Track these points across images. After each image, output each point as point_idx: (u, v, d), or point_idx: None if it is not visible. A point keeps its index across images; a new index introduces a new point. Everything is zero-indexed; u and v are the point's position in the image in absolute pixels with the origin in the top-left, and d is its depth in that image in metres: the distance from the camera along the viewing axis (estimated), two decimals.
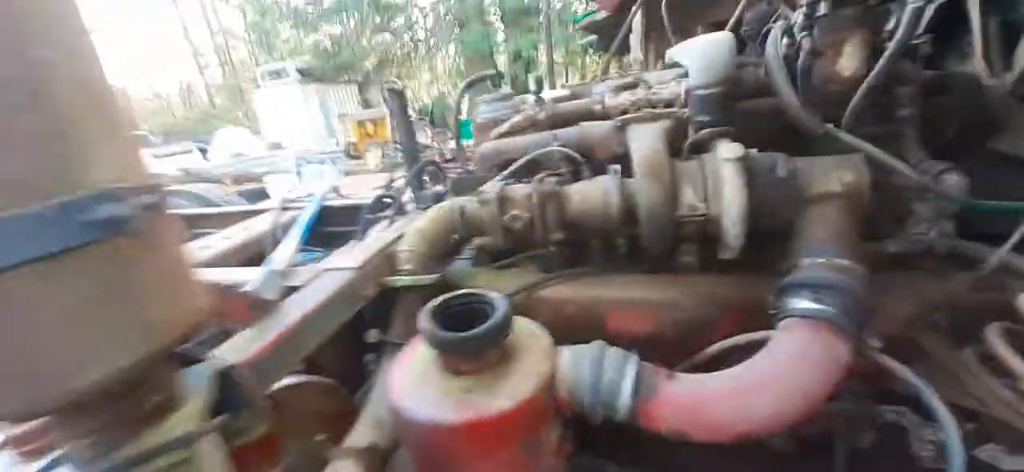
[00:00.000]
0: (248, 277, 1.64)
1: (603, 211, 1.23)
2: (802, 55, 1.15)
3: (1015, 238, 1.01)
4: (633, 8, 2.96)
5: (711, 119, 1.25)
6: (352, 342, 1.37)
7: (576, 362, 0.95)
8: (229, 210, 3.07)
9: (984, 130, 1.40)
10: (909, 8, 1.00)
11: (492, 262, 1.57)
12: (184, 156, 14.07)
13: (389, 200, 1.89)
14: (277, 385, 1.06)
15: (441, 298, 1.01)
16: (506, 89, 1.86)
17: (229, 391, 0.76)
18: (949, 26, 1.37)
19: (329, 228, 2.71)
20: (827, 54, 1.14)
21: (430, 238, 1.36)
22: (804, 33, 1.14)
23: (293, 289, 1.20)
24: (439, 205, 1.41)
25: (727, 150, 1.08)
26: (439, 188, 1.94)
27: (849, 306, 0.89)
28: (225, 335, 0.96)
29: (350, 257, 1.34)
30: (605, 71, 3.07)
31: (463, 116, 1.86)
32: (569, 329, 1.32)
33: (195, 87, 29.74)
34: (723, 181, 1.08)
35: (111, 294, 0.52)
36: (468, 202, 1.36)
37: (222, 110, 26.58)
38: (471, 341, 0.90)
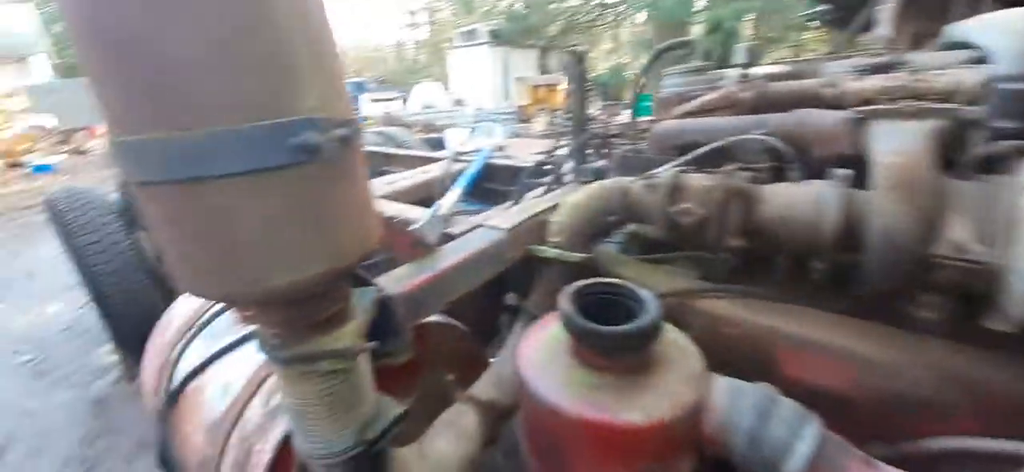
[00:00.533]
0: (416, 216, 1.79)
1: (811, 225, 0.96)
2: None
3: None
4: None
5: (1019, 126, 0.86)
6: (489, 297, 1.38)
7: (735, 399, 0.78)
8: (411, 154, 3.45)
9: None
10: None
11: (642, 253, 1.41)
12: (389, 103, 16.54)
13: (549, 168, 1.84)
14: (422, 320, 1.12)
15: (586, 282, 0.92)
16: (698, 62, 1.60)
17: (386, 317, 0.81)
18: None
19: (490, 185, 2.83)
20: None
21: (584, 214, 1.26)
22: None
23: (450, 236, 1.25)
24: (600, 182, 1.30)
25: None
26: (602, 163, 1.82)
27: None
28: (390, 264, 1.04)
29: (504, 218, 1.33)
30: (841, 49, 2.47)
31: (644, 89, 1.67)
32: (726, 356, 1.10)
33: (406, 43, 34.42)
34: (1021, 218, 0.72)
35: (304, 212, 0.57)
36: (633, 184, 1.21)
37: (424, 65, 30.22)
38: (611, 338, 0.79)
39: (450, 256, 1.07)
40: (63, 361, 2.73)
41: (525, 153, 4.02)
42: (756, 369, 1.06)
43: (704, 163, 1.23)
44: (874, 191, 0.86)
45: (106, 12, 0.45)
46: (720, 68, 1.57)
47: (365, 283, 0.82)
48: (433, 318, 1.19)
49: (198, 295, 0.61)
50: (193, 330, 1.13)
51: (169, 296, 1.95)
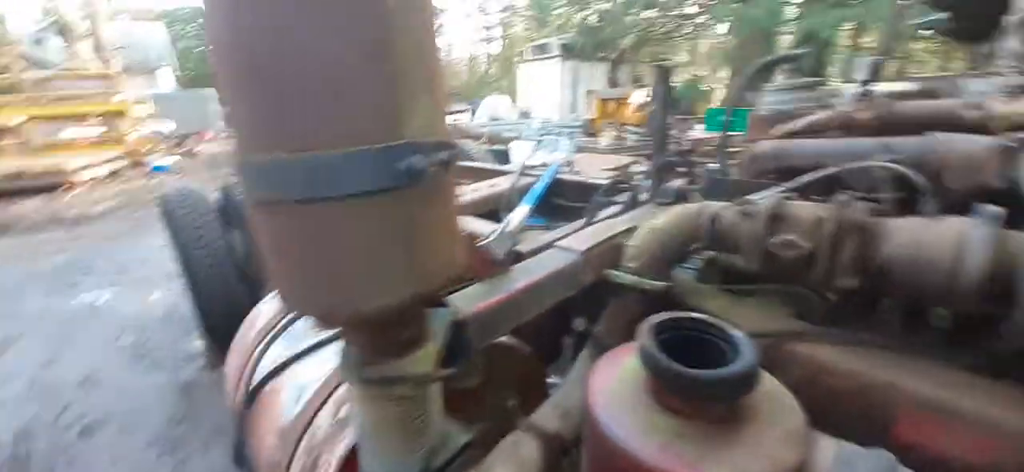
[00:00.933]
0: (484, 230, 1.78)
1: (949, 269, 0.80)
2: None
3: None
4: None
5: None
6: (555, 318, 1.32)
7: (846, 467, 0.66)
8: (479, 166, 3.49)
9: None
10: None
11: (722, 282, 1.28)
12: (459, 115, 17.04)
13: (624, 186, 1.75)
14: (491, 342, 1.09)
15: (669, 316, 0.84)
16: (805, 77, 1.45)
17: (458, 340, 0.79)
18: None
19: (558, 200, 2.78)
20: None
21: (664, 240, 1.17)
22: None
23: (519, 255, 1.22)
24: (685, 206, 1.19)
25: None
26: (682, 184, 1.70)
27: None
28: (460, 281, 1.03)
29: (577, 238, 1.27)
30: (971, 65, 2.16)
31: (739, 104, 1.53)
32: (827, 410, 0.95)
33: (479, 57, 35.52)
34: None
35: (399, 236, 0.56)
36: (724, 209, 1.10)
37: (494, 79, 30.97)
38: (701, 384, 0.71)
39: (523, 277, 1.02)
40: (159, 345, 3.01)
41: (594, 168, 3.93)
42: (865, 429, 0.90)
43: (810, 191, 1.09)
44: None
45: (244, 39, 0.48)
46: (824, 82, 1.40)
47: (440, 303, 0.80)
48: (501, 340, 1.16)
49: (297, 311, 0.62)
50: (275, 331, 1.18)
51: (255, 293, 2.09)
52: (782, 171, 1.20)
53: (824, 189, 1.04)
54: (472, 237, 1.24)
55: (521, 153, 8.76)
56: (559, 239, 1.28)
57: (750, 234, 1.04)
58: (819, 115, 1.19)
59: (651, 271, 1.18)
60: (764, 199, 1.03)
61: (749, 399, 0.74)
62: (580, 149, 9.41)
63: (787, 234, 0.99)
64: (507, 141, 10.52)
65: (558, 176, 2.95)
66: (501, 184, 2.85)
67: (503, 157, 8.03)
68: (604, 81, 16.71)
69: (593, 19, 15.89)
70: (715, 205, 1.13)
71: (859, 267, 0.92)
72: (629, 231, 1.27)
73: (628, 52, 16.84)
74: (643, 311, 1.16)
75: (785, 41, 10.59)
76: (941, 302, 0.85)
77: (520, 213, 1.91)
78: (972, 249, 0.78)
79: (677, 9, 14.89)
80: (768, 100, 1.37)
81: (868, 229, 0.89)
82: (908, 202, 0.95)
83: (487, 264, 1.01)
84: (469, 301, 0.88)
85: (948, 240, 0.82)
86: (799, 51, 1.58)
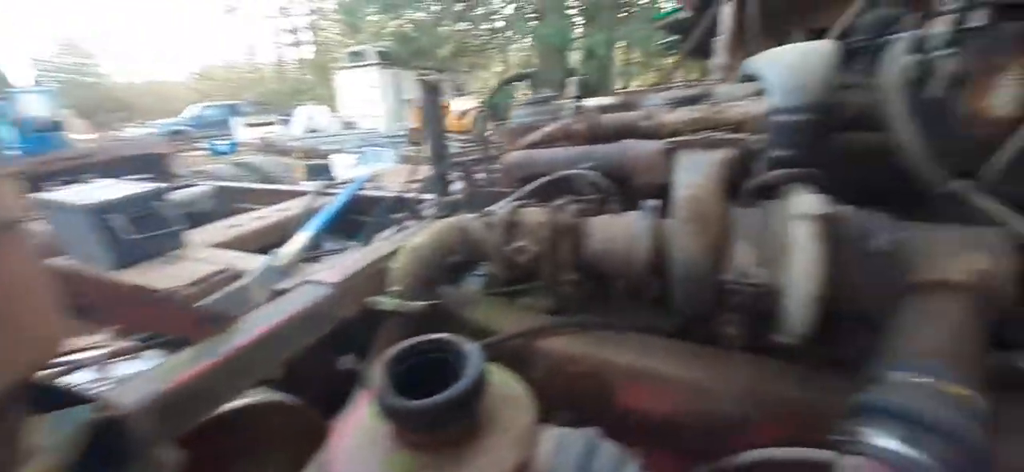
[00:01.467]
0: (252, 265, 1.57)
1: (626, 257, 0.98)
2: (938, 83, 0.82)
3: None
4: (719, 3, 2.56)
5: (793, 155, 0.96)
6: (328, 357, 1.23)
7: (560, 451, 0.75)
8: (271, 188, 3.12)
9: None
10: None
11: (503, 285, 1.37)
12: (268, 127, 15.17)
13: (409, 200, 1.74)
14: (230, 406, 0.94)
15: (407, 343, 0.82)
16: (546, 92, 1.63)
17: (110, 444, 0.62)
18: None
19: (363, 217, 2.64)
20: (975, 85, 0.80)
21: (425, 258, 1.18)
22: (946, 52, 0.81)
23: (281, 292, 1.09)
24: (444, 220, 1.22)
25: (804, 203, 0.79)
26: (462, 195, 1.76)
27: (958, 461, 0.60)
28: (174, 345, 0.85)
29: (333, 270, 1.19)
30: (671, 74, 2.73)
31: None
32: (571, 393, 1.09)
33: (289, 62, 32.12)
34: (793, 245, 0.79)
35: None
36: (474, 221, 1.16)
37: (309, 87, 28.40)
38: (423, 414, 0.70)
39: (248, 330, 0.90)
40: None
41: (402, 181, 3.87)
42: (597, 402, 1.05)
43: (543, 195, 1.22)
44: (674, 221, 0.89)
45: None
46: (556, 97, 1.60)
47: (73, 400, 0.62)
48: (247, 399, 1.01)
49: None
50: None
51: None
52: (529, 179, 1.31)
53: (553, 193, 1.17)
54: (177, 299, 1.06)
55: (343, 167, 8.21)
56: (315, 273, 1.18)
57: (493, 244, 1.11)
58: (550, 127, 1.34)
59: (417, 292, 1.17)
60: (501, 209, 1.11)
61: (485, 408, 0.78)
62: (406, 158, 9.26)
63: (521, 240, 1.08)
64: (327, 154, 9.75)
65: (362, 192, 2.81)
66: (294, 208, 2.58)
67: (324, 172, 7.40)
68: None
69: (408, 28, 15.83)
70: (467, 217, 1.19)
71: (574, 262, 1.05)
72: (395, 253, 1.25)
73: (448, 61, 17.25)
74: (412, 335, 1.15)
75: (575, 56, 12.26)
76: (628, 281, 1.03)
77: (295, 242, 1.75)
78: (638, 240, 0.96)
79: (487, 24, 15.82)
80: (518, 114, 1.50)
81: (576, 229, 1.03)
82: (606, 201, 1.13)
83: (196, 324, 0.86)
84: (152, 381, 0.73)
85: (626, 232, 0.99)
86: (529, 71, 1.83)
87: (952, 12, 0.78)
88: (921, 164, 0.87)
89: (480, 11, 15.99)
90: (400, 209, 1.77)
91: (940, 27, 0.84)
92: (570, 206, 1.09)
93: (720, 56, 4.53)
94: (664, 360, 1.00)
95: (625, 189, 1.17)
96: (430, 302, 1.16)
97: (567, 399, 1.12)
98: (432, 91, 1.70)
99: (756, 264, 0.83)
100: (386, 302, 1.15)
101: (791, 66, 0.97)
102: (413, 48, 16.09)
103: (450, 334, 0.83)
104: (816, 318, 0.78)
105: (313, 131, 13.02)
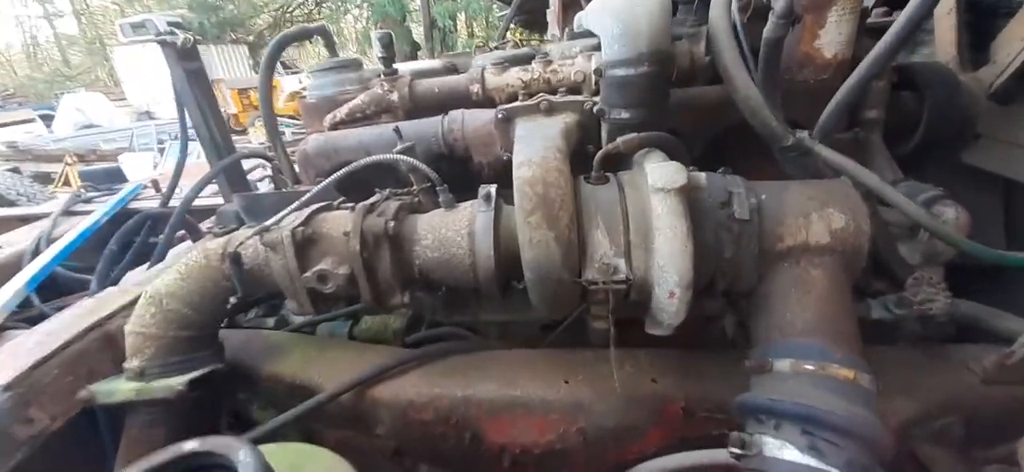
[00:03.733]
0: None
1: (467, 262, 0.75)
2: (770, 24, 0.73)
3: None
4: None
5: (633, 115, 0.82)
6: None
7: None
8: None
9: (953, 136, 1.12)
10: None
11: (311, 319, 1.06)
12: (20, 127, 11.35)
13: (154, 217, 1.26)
14: None
15: (150, 464, 0.51)
16: (350, 56, 1.29)
17: None
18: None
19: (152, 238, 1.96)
20: (805, 26, 0.74)
21: (175, 311, 0.79)
22: None
23: None
24: (206, 246, 0.84)
25: (662, 174, 0.64)
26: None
27: (861, 461, 0.52)
28: None
29: (14, 351, 0.73)
30: (501, 37, 2.57)
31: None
32: (430, 445, 0.85)
33: (46, 40, 24.31)
34: (657, 226, 0.64)
35: None
36: (247, 242, 0.80)
37: (78, 69, 22.06)
38: None
39: None
40: None
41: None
42: (463, 450, 0.84)
43: (351, 190, 0.92)
44: (517, 211, 0.68)
45: None
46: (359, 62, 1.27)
47: None
48: None
49: None
50: None
51: None
52: (334, 170, 0.99)
53: (369, 183, 0.88)
54: None
55: (139, 169, 6.51)
56: None
57: (282, 271, 0.78)
58: (358, 99, 1.03)
59: (167, 363, 0.78)
60: (287, 220, 0.78)
61: None
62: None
63: (321, 262, 0.77)
64: (115, 156, 7.65)
65: (137, 202, 2.13)
66: (27, 236, 1.86)
67: (114, 177, 5.76)
68: (247, 67, 14.39)
69: None
70: (240, 236, 0.82)
71: (401, 278, 0.79)
72: (132, 304, 0.83)
73: (268, 33, 14.93)
74: (173, 432, 0.78)
75: (417, 30, 11.61)
76: (478, 289, 0.81)
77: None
78: (480, 244, 0.74)
79: None
80: (314, 85, 1.14)
81: (395, 236, 0.76)
82: (433, 191, 0.87)
83: None
84: None
85: (462, 231, 0.76)
86: (312, 26, 1.49)
87: None
88: (760, 116, 0.80)
89: None
90: (139, 231, 1.29)
91: None
92: (387, 203, 0.81)
93: (552, 27, 4.55)
94: (532, 382, 0.82)
95: (457, 169, 0.93)
96: (198, 373, 0.79)
97: (426, 454, 0.88)
98: (186, 56, 1.21)
99: (617, 253, 0.67)
100: (120, 390, 0.74)
101: (620, 14, 0.82)
102: (219, 18, 13.50)
103: (216, 437, 0.54)
104: (690, 304, 0.66)
105: (88, 126, 10.15)
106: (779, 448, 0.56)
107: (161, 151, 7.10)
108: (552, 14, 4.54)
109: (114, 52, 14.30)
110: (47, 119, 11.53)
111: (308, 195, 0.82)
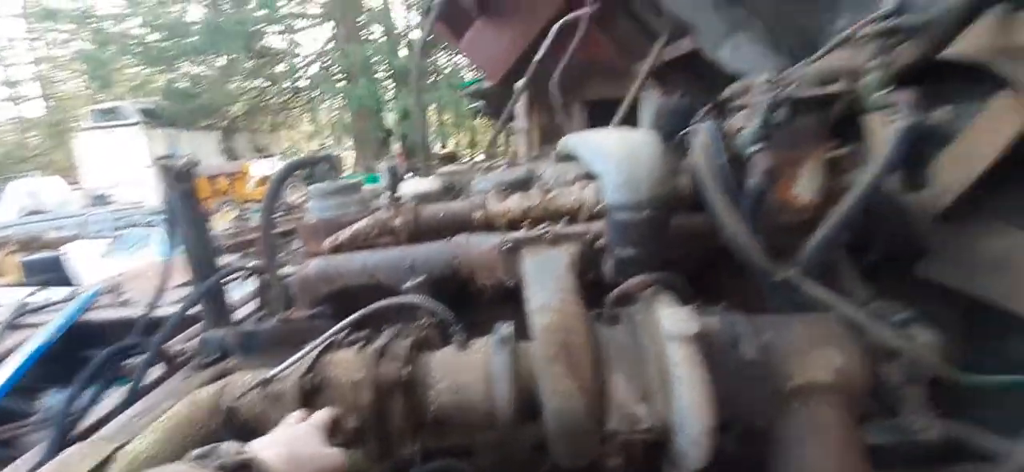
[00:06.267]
0: None
1: (486, 408, 0.73)
2: (755, 175, 0.81)
3: None
4: (518, 85, 2.65)
5: (637, 253, 0.86)
6: None
7: None
8: None
9: (907, 253, 1.24)
10: (900, 127, 0.72)
11: None
12: None
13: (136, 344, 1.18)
14: None
15: None
16: (352, 177, 1.33)
17: None
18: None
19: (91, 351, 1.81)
20: (781, 176, 0.83)
21: None
22: (755, 147, 0.81)
23: None
24: (195, 398, 0.78)
25: (676, 321, 0.67)
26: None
27: None
28: None
29: None
30: (493, 143, 2.71)
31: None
32: None
33: (8, 122, 23.54)
34: (676, 374, 0.66)
35: None
36: (244, 395, 0.76)
37: (35, 153, 21.34)
38: None
39: None
40: None
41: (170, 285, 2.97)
42: None
43: (365, 326, 0.90)
44: (537, 356, 0.69)
45: None
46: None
47: None
48: None
49: None
50: None
51: None
52: (336, 295, 0.98)
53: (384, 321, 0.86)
54: None
55: (87, 260, 6.11)
56: None
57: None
58: (362, 223, 1.05)
59: None
60: (290, 373, 0.75)
61: None
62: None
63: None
64: (60, 244, 7.20)
65: (87, 317, 1.98)
66: None
67: (53, 268, 5.36)
68: (216, 152, 14.36)
69: (183, 83, 13.41)
70: (236, 387, 0.78)
71: (413, 424, 0.76)
72: (106, 464, 0.74)
73: (241, 120, 15.14)
74: None
75: (391, 118, 12.12)
76: (496, 434, 0.78)
77: None
78: (496, 382, 0.73)
79: (289, 81, 14.52)
80: (315, 207, 1.15)
81: (409, 383, 0.74)
82: (444, 326, 0.87)
83: None
84: None
85: (478, 374, 0.75)
86: (322, 155, 1.55)
87: (765, 105, 0.79)
88: (751, 253, 0.86)
89: (281, 68, 14.57)
90: (126, 356, 1.20)
91: (744, 122, 0.87)
92: (398, 341, 0.80)
93: (520, 121, 4.85)
94: None
95: (461, 294, 0.94)
96: None
97: None
98: (180, 179, 1.21)
99: (638, 399, 0.68)
100: None
101: (624, 164, 0.89)
102: (193, 105, 13.63)
103: None
104: (712, 450, 0.66)
105: (35, 213, 9.63)
106: None
107: (115, 240, 6.74)
108: (520, 110, 4.84)
109: (75, 136, 14.03)
110: None
111: (323, 339, 0.79)
